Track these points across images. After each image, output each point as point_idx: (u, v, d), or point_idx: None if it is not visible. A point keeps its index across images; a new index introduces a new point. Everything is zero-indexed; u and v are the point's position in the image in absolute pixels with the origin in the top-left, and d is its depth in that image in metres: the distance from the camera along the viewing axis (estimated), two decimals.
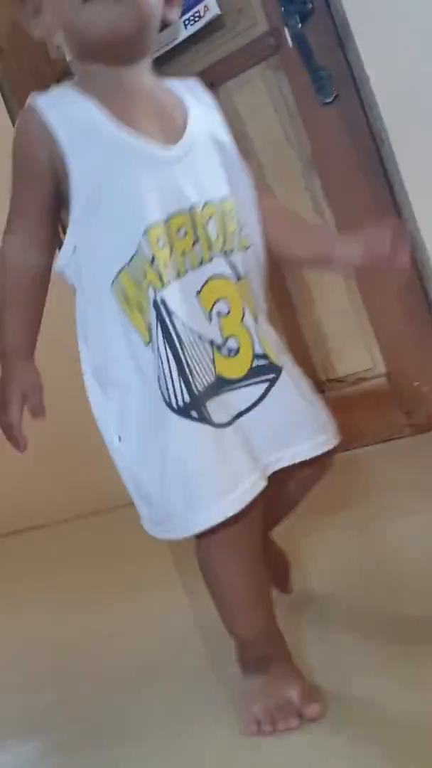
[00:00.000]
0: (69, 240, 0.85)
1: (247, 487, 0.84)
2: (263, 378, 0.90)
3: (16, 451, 0.86)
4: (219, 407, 0.86)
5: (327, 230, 1.00)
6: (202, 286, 0.86)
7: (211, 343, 0.86)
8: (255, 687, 0.88)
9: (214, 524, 0.83)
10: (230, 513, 0.82)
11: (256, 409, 0.89)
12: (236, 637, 0.91)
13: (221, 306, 0.87)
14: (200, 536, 0.86)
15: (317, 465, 0.95)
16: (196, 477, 0.83)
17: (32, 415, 0.87)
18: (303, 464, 0.92)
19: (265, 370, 0.90)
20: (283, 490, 0.95)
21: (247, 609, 0.90)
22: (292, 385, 0.93)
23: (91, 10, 0.82)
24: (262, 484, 0.86)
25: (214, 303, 0.87)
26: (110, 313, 0.85)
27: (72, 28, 0.86)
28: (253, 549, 0.89)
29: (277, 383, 0.91)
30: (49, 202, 0.86)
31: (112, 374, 0.87)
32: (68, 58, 0.90)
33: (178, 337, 0.84)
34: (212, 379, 0.86)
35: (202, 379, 0.85)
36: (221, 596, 0.90)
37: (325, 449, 0.93)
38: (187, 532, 0.85)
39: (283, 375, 0.92)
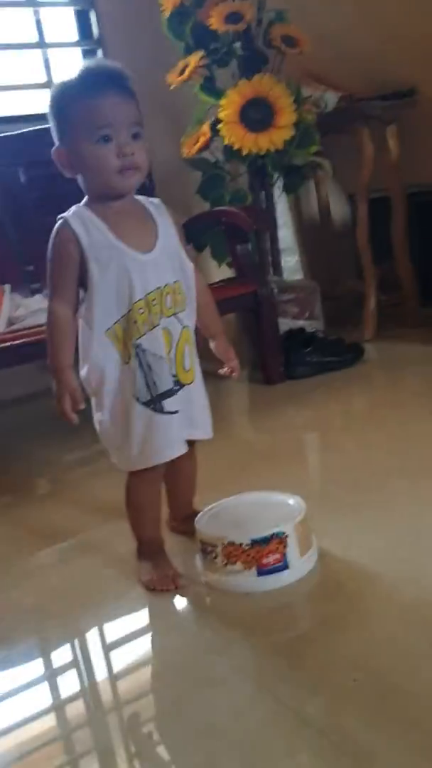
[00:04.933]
0: (84, 302, 1.41)
1: (176, 450, 1.47)
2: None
3: (71, 424, 1.40)
4: (173, 402, 1.45)
5: (218, 321, 1.67)
6: (163, 331, 1.42)
7: (171, 363, 1.42)
8: (147, 566, 1.52)
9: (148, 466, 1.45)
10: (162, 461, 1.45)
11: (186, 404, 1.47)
12: (137, 537, 1.55)
13: (175, 342, 1.44)
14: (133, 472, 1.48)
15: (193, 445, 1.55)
16: (144, 441, 1.43)
17: (73, 406, 1.39)
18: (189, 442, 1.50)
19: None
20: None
21: (146, 520, 1.54)
22: (201, 391, 1.52)
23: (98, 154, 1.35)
24: (185, 448, 1.49)
25: (171, 341, 1.43)
26: (105, 345, 1.40)
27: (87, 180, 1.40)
28: (158, 483, 1.54)
29: (194, 389, 1.49)
30: (76, 280, 1.39)
31: (104, 379, 1.42)
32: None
33: (148, 364, 1.42)
34: (170, 385, 1.44)
35: (161, 386, 1.43)
36: (133, 509, 1.53)
37: (205, 438, 1.54)
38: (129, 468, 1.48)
39: (197, 383, 1.50)
